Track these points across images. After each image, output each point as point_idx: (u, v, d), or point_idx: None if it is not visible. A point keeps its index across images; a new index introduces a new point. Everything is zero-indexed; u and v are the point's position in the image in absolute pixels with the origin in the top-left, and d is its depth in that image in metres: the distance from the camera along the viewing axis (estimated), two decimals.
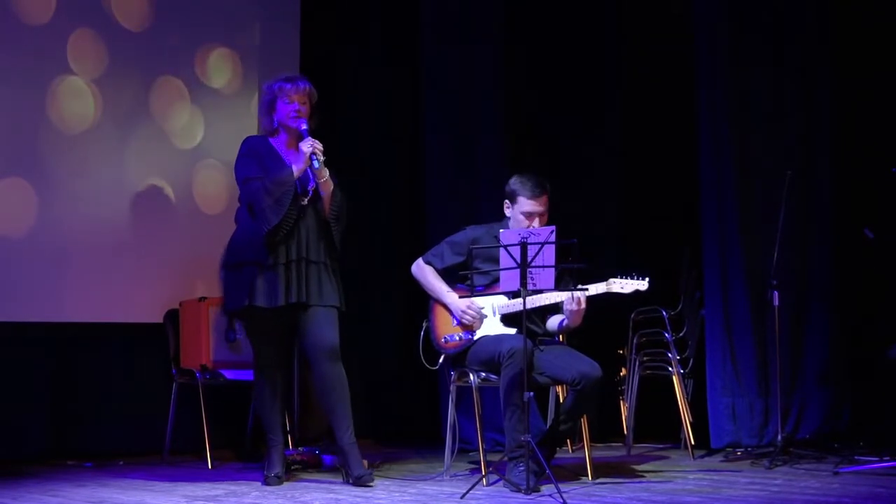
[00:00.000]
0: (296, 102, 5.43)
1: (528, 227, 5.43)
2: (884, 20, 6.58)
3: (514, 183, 5.55)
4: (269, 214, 5.29)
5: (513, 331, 5.44)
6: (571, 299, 5.32)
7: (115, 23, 6.67)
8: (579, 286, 5.32)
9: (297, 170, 5.35)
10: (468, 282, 5.44)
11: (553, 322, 5.57)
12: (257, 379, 5.57)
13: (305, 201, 5.41)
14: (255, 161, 5.41)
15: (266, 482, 5.42)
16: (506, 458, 5.26)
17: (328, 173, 5.40)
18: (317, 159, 5.32)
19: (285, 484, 5.44)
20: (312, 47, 7.40)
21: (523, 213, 5.49)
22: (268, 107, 5.50)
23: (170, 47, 6.86)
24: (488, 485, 5.30)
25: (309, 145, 5.33)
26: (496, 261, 5.31)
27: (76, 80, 6.51)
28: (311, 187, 5.42)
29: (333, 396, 5.39)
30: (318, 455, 6.02)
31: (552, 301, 5.42)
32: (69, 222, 6.44)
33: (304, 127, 5.39)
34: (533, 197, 5.48)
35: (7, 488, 5.38)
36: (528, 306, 5.17)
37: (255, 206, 5.33)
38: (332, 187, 5.43)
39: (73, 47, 6.51)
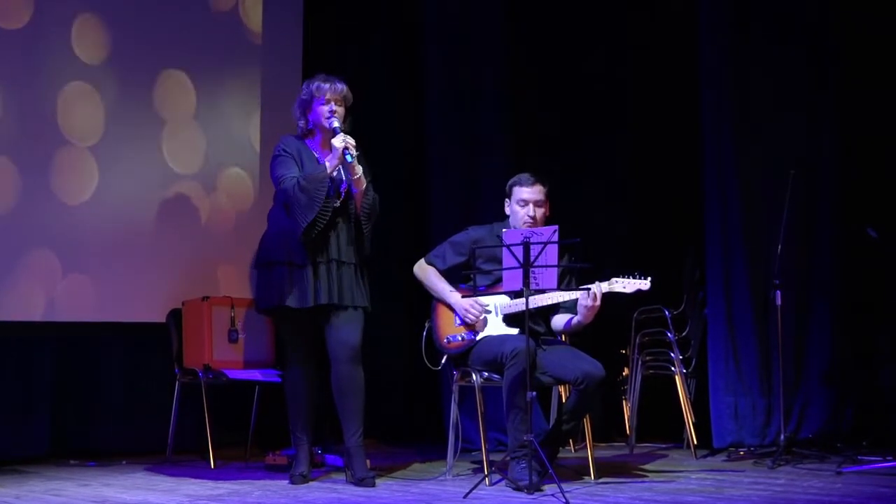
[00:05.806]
0: (332, 103, 5.43)
1: (524, 216, 5.47)
2: (890, 18, 6.56)
3: (511, 180, 5.61)
4: (305, 211, 5.28)
5: (515, 331, 5.44)
6: (587, 295, 5.30)
7: (118, 18, 6.65)
8: (581, 286, 5.32)
9: (330, 167, 5.34)
10: (470, 282, 5.45)
11: (559, 321, 5.56)
12: (287, 377, 5.59)
13: (338, 203, 5.41)
14: (291, 160, 5.43)
15: (291, 481, 5.44)
16: (508, 458, 5.27)
17: (361, 170, 5.40)
18: (349, 154, 5.30)
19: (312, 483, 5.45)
20: (314, 48, 7.38)
21: (519, 201, 5.52)
22: (304, 106, 5.50)
23: (171, 43, 6.84)
24: (491, 484, 5.30)
25: (341, 140, 5.31)
26: (498, 261, 5.32)
27: (79, 82, 6.50)
28: (343, 188, 5.43)
29: (347, 397, 5.41)
30: (320, 454, 6.02)
31: (554, 301, 5.41)
32: (74, 222, 6.43)
33: (337, 125, 5.38)
34: (526, 184, 5.53)
35: (10, 488, 5.38)
36: (531, 306, 5.17)
37: (291, 205, 5.34)
38: (364, 184, 5.44)
39: (77, 45, 6.50)
